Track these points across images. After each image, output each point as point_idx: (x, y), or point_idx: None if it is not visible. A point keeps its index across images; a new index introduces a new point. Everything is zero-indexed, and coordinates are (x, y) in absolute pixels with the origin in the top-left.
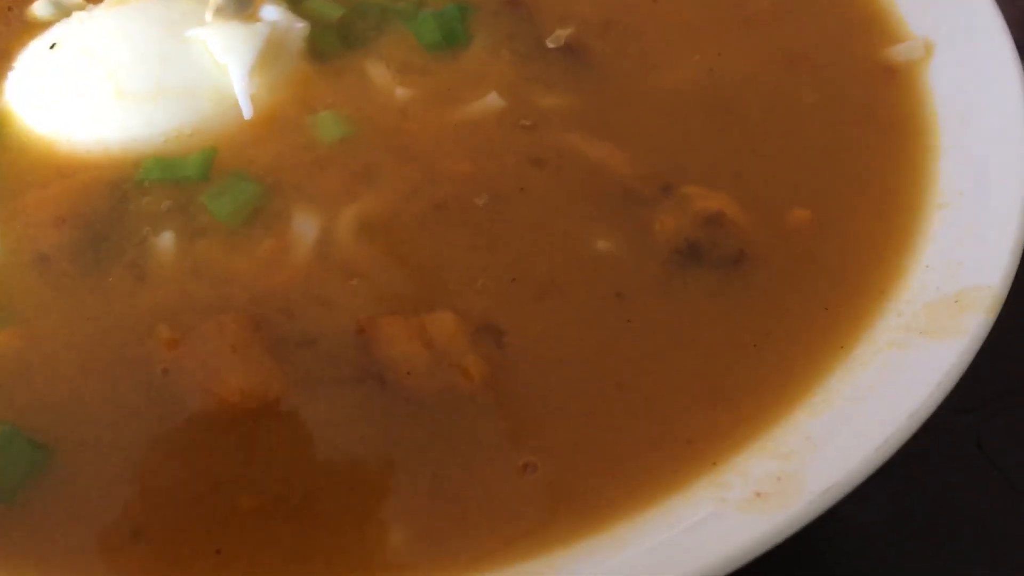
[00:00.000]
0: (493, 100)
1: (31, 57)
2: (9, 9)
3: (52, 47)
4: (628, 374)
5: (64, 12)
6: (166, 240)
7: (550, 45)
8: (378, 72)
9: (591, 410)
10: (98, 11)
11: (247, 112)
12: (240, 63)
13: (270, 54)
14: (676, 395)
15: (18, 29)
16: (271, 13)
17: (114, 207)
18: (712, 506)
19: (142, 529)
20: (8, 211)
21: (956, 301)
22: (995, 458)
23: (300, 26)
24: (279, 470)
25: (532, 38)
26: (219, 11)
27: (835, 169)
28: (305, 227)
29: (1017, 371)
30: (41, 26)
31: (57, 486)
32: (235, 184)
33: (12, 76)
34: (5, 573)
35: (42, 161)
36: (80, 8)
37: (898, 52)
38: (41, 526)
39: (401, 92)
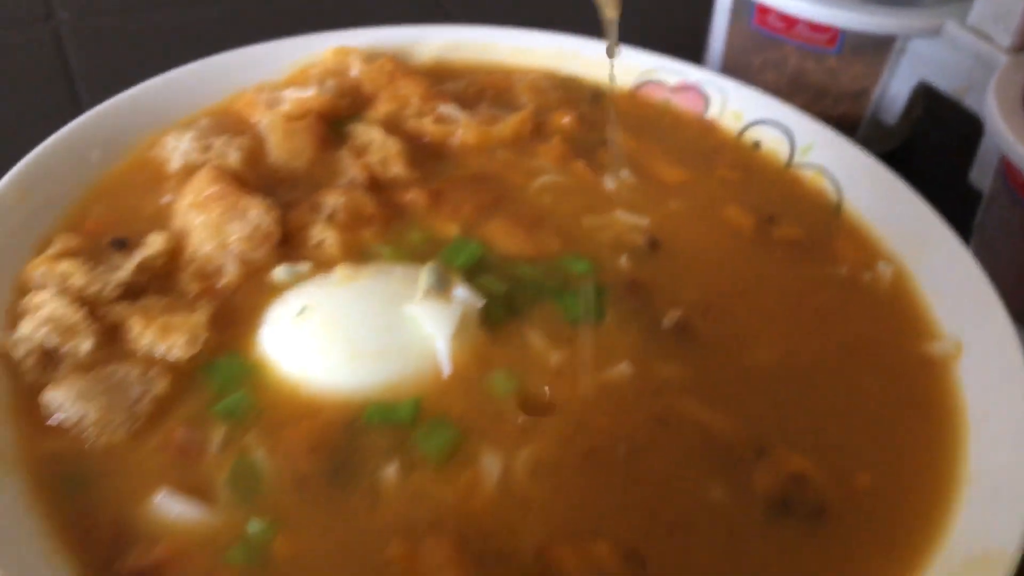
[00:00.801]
0: (625, 368)
1: (283, 317)
2: (255, 273)
3: (301, 312)
4: None
5: (297, 277)
6: (391, 472)
7: (665, 324)
8: (536, 340)
9: None
10: (334, 287)
11: (447, 371)
12: (444, 335)
13: (461, 325)
14: None
15: (264, 290)
16: (461, 292)
17: (350, 442)
18: None
19: None
20: (273, 440)
21: (984, 558)
22: None
23: (480, 303)
24: None
25: (651, 318)
26: (427, 293)
27: (889, 444)
28: (491, 466)
29: None
30: (280, 288)
31: None
32: (437, 428)
33: (267, 331)
34: None
35: (292, 400)
36: (310, 274)
37: (934, 348)
38: None
39: (555, 357)
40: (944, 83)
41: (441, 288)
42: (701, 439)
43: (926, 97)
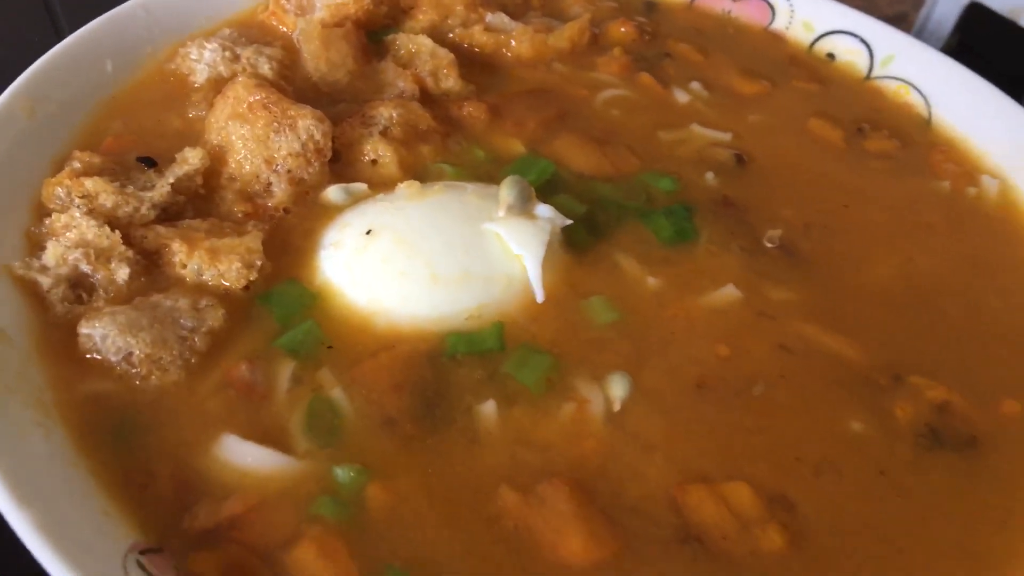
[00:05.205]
0: (731, 291)
1: (349, 240)
2: (306, 194)
3: (369, 233)
4: (906, 541)
5: (354, 198)
6: (489, 408)
7: (767, 244)
8: (628, 263)
9: (882, 571)
10: (404, 204)
11: (540, 296)
12: (534, 255)
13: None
14: (947, 561)
15: (317, 212)
16: (544, 211)
17: (437, 376)
18: None
19: None
20: (349, 377)
21: None
22: None
23: (567, 222)
24: None
25: (750, 236)
26: (509, 208)
27: None
28: (596, 399)
29: None
30: (335, 209)
31: None
32: (530, 355)
33: (329, 254)
34: None
35: (365, 331)
36: (366, 195)
37: None
38: None
39: (652, 281)
40: (998, 2)
41: (523, 204)
42: (832, 368)
43: (972, 20)
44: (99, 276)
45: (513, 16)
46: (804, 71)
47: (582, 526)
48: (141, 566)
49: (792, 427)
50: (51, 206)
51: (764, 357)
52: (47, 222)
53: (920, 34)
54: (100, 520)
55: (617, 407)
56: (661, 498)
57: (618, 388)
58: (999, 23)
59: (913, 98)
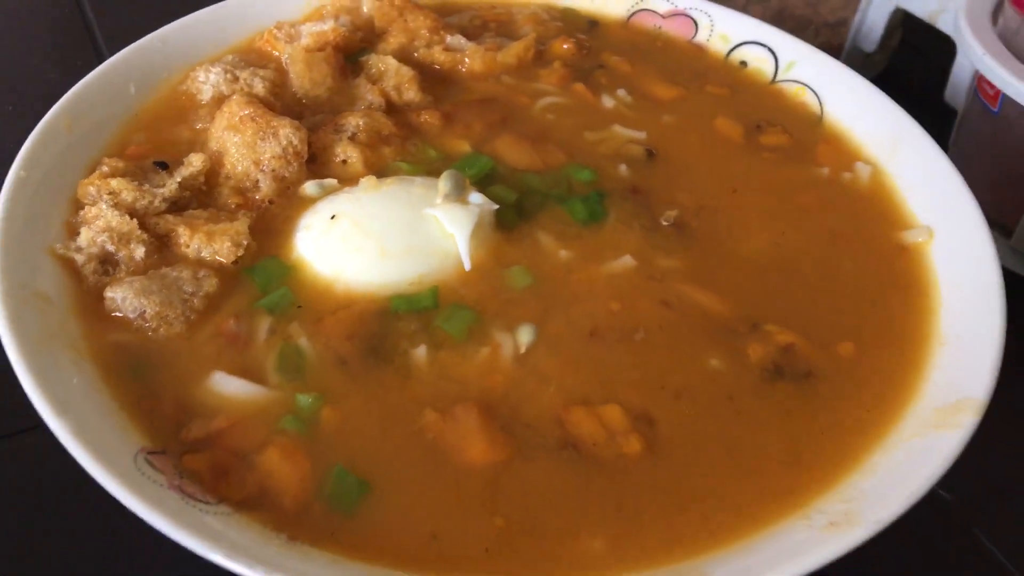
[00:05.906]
0: (628, 260)
1: (317, 223)
2: (287, 188)
3: (333, 218)
4: (742, 448)
5: (326, 191)
6: (421, 351)
7: (663, 222)
8: (546, 239)
9: (720, 471)
10: (361, 194)
11: (467, 265)
12: (464, 233)
13: (478, 225)
14: (775, 463)
15: (296, 203)
16: (476, 198)
17: (382, 328)
18: (803, 530)
19: (437, 533)
20: (314, 329)
21: (955, 407)
22: (987, 539)
23: (495, 207)
24: (518, 503)
25: (650, 217)
26: (446, 196)
27: (870, 318)
28: (507, 344)
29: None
30: (310, 200)
31: (377, 506)
32: (458, 311)
33: (302, 235)
34: (355, 558)
35: (328, 295)
36: (336, 188)
37: (908, 235)
38: (370, 531)
39: (564, 253)
40: (918, 7)
41: (458, 193)
42: (701, 319)
43: (903, 24)
44: (121, 254)
45: (470, 37)
46: (718, 77)
47: (484, 436)
48: (148, 462)
49: (662, 364)
50: (85, 201)
51: (647, 311)
52: (81, 213)
53: (856, 37)
54: (118, 431)
55: (523, 351)
56: (549, 417)
57: (525, 336)
58: (920, 26)
59: (808, 98)
